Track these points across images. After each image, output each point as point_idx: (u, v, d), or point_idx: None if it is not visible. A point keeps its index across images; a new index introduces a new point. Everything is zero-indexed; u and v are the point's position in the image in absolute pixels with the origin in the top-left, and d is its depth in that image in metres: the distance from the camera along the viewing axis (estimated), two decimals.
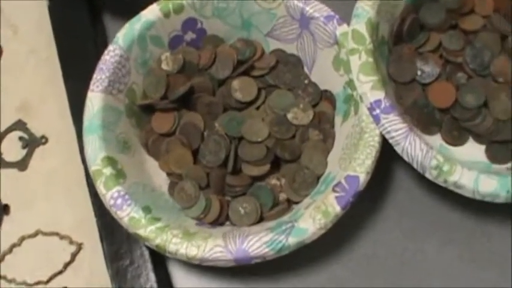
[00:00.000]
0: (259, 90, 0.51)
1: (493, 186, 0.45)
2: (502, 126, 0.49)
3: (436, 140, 0.50)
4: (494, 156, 0.50)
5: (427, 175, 0.45)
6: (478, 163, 0.50)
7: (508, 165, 0.49)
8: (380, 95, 0.46)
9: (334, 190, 0.45)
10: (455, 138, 0.50)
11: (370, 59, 0.47)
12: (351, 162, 0.45)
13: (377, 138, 0.46)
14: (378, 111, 0.46)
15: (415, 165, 0.45)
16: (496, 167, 0.49)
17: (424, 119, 0.50)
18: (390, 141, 0.46)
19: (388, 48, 0.51)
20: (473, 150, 0.50)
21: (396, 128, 0.45)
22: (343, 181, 0.45)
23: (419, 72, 0.50)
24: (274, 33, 0.52)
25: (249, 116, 0.50)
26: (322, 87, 0.51)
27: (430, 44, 0.51)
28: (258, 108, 0.51)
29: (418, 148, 0.45)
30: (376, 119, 0.46)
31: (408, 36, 0.51)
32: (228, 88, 0.50)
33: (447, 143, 0.50)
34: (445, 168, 0.45)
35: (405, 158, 0.45)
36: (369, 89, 0.46)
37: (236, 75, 0.51)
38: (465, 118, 0.49)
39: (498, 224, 0.50)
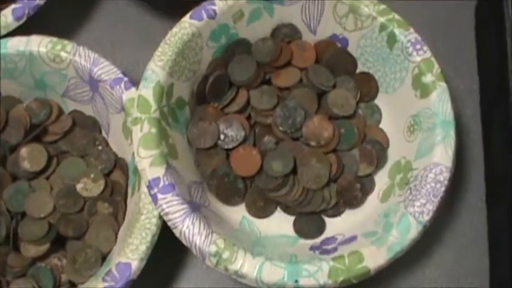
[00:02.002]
0: (51, 157, 0.46)
1: (279, 274, 0.40)
2: (312, 196, 0.45)
3: (240, 211, 0.46)
4: (302, 229, 0.45)
5: (207, 262, 0.41)
6: (284, 237, 0.45)
7: (315, 241, 0.45)
8: (159, 172, 0.41)
9: (103, 279, 0.41)
10: (261, 210, 0.45)
11: (153, 130, 0.42)
12: (124, 248, 0.41)
13: (154, 220, 0.42)
14: (155, 190, 0.41)
15: (194, 251, 0.41)
16: (302, 242, 0.45)
17: (224, 188, 0.45)
18: (168, 223, 0.41)
19: (190, 109, 0.46)
20: (281, 223, 0.46)
21: (174, 209, 0.41)
22: (114, 269, 0.41)
23: (222, 137, 0.46)
24: (70, 94, 0.47)
25: (38, 187, 0.46)
26: (119, 154, 0.47)
27: (237, 102, 0.46)
28: (48, 177, 0.47)
29: (197, 232, 0.41)
30: (154, 199, 0.41)
31: (212, 95, 0.46)
32: (17, 156, 0.46)
33: (251, 214, 0.46)
34: (225, 255, 0.40)
35: (184, 243, 0.41)
36: (148, 164, 0.42)
37: (28, 140, 0.47)
38: (270, 188, 0.45)
39: None
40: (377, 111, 0.48)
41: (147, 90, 0.43)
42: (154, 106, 0.43)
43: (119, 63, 0.50)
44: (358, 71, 0.48)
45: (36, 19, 0.48)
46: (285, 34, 0.48)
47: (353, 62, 0.48)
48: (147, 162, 0.42)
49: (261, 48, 0.47)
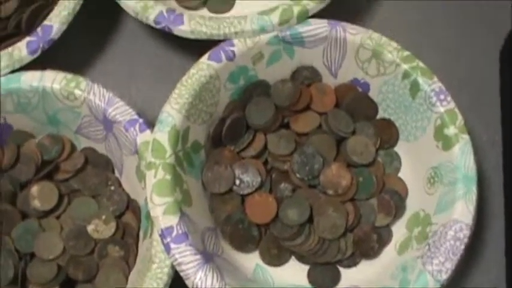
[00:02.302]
0: (62, 196, 0.45)
1: None
2: (327, 246, 0.44)
3: (254, 259, 0.45)
4: (316, 280, 0.44)
5: None
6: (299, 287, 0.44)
7: None
8: (173, 220, 0.40)
9: None
10: (274, 258, 0.44)
11: (168, 177, 0.41)
12: None
13: (166, 270, 0.41)
14: (168, 239, 0.40)
15: None
16: None
17: (238, 235, 0.44)
18: (181, 274, 0.40)
19: (205, 152, 0.45)
20: (295, 272, 0.45)
21: (187, 260, 0.40)
22: None
23: (237, 182, 0.44)
24: (83, 131, 0.46)
25: (48, 226, 0.45)
26: (132, 195, 0.46)
27: (254, 147, 0.45)
28: (59, 217, 0.46)
29: (210, 284, 0.39)
30: (167, 249, 0.40)
31: (228, 139, 0.45)
32: (27, 194, 0.45)
33: (265, 262, 0.45)
34: None
35: None
36: (162, 212, 0.41)
37: (39, 178, 0.46)
38: (285, 237, 0.43)
39: None
40: (396, 159, 0.46)
41: (162, 135, 0.42)
42: (169, 151, 0.42)
43: (134, 99, 0.49)
44: (378, 116, 0.47)
45: (51, 49, 0.46)
46: (305, 77, 0.47)
47: (374, 107, 0.47)
48: (160, 210, 0.41)
49: (280, 91, 0.46)
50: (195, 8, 0.50)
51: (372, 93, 0.47)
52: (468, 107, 0.47)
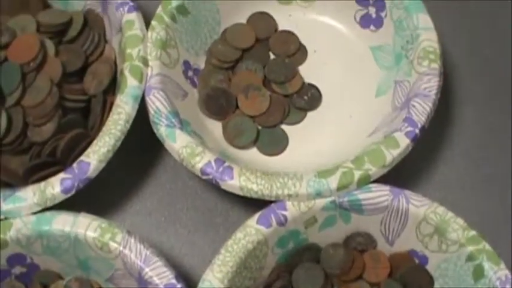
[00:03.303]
0: None
1: None
2: None
3: None
4: None
5: None
6: None
7: None
8: None
9: None
10: None
11: None
12: None
13: None
14: None
15: None
16: None
17: None
18: None
19: None
20: None
21: None
22: None
23: None
24: (115, 282, 0.43)
25: None
26: None
27: None
28: None
29: None
30: None
31: None
32: None
33: None
34: None
35: None
36: None
37: None
38: None
39: None
40: None
41: None
42: None
43: (172, 242, 0.46)
44: None
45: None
46: (359, 243, 0.43)
47: (430, 281, 0.43)
48: None
49: (331, 257, 0.42)
50: (245, 147, 0.46)
51: (430, 267, 0.43)
52: None
